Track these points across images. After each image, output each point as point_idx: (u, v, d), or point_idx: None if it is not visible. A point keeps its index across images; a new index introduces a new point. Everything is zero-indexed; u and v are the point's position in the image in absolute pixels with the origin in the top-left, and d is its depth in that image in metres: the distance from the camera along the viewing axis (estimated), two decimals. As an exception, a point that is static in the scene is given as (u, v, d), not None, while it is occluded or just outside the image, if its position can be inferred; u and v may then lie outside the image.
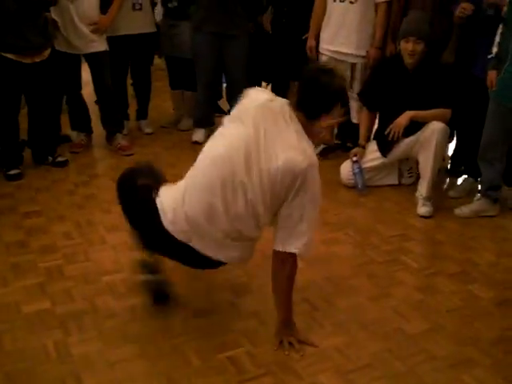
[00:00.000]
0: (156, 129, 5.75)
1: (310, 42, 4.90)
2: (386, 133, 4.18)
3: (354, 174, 4.40)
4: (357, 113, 4.84)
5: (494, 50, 3.76)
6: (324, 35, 4.81)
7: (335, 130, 5.15)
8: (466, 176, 4.57)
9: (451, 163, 4.79)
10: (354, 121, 4.91)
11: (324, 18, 4.78)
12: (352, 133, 5.00)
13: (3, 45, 4.23)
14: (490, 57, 3.79)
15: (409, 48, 4.08)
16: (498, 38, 3.74)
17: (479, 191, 4.22)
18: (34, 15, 4.27)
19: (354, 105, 4.83)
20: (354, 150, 4.49)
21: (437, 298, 3.13)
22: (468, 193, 4.44)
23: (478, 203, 4.14)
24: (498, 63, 3.75)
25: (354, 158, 4.43)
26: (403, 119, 4.10)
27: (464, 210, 4.12)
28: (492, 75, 3.77)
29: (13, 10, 4.10)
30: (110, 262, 3.35)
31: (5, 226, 3.79)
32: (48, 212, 4.00)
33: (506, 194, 4.30)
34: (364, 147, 4.49)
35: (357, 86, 4.79)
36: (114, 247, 3.53)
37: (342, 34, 4.69)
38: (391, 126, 4.15)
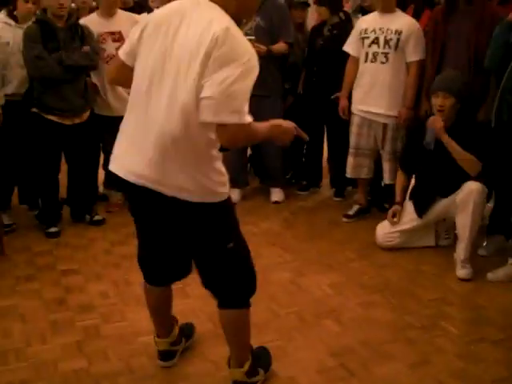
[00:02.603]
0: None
1: (343, 102, 4.94)
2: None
3: None
4: (390, 173, 4.83)
5: None
6: (356, 95, 4.85)
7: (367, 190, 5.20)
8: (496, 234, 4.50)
9: (489, 223, 4.70)
10: (387, 182, 4.90)
11: (356, 78, 4.83)
12: (387, 194, 4.99)
13: (45, 107, 4.37)
14: None
15: (438, 103, 4.09)
16: None
17: None
18: (76, 79, 4.41)
19: (386, 166, 4.84)
20: (393, 209, 4.46)
21: (480, 366, 3.04)
22: (498, 251, 4.36)
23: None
24: None
25: (395, 219, 4.41)
26: (446, 136, 4.07)
27: (498, 274, 4.03)
28: None
29: (59, 74, 4.25)
30: (146, 323, 3.33)
31: (44, 282, 3.86)
32: (85, 270, 4.04)
33: (500, 243, 4.31)
34: (401, 205, 4.47)
35: (388, 146, 4.79)
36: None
37: (373, 94, 4.73)
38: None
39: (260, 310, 3.51)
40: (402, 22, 4.64)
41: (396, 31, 4.58)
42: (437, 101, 4.10)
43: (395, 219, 4.41)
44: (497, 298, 3.79)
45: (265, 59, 4.95)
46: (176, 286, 3.73)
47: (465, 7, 4.33)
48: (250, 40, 4.81)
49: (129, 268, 4.05)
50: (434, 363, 3.05)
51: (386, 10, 4.65)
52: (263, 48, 4.86)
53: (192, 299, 3.62)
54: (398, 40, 4.58)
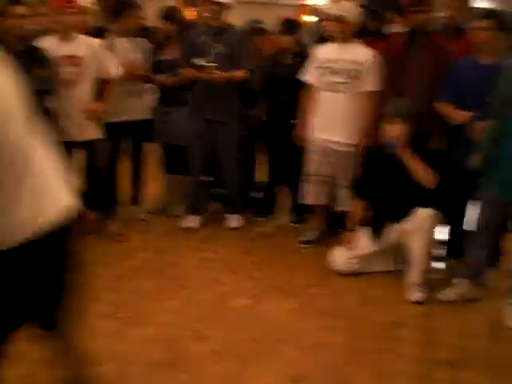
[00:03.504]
0: (147, 215, 5.77)
1: (300, 131, 5.00)
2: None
3: None
4: (347, 200, 4.87)
5: None
6: (316, 124, 4.90)
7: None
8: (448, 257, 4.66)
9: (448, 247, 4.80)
10: (343, 208, 4.95)
11: (315, 108, 4.90)
12: (342, 220, 5.07)
13: None
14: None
15: (392, 130, 4.21)
16: None
17: (464, 275, 4.20)
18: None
19: (343, 193, 4.89)
20: (349, 235, 4.51)
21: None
22: (449, 274, 4.48)
23: (461, 287, 4.15)
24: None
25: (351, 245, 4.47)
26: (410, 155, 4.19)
27: (447, 294, 4.14)
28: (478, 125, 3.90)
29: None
30: (100, 352, 3.29)
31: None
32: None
33: (453, 266, 4.46)
34: (357, 230, 4.53)
35: (347, 174, 4.82)
36: (106, 336, 3.50)
37: (332, 123, 4.77)
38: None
39: (219, 336, 3.53)
40: (361, 52, 4.74)
41: (355, 62, 4.66)
42: (391, 128, 4.20)
43: (351, 245, 4.47)
44: (448, 319, 3.89)
45: (224, 86, 5.02)
46: (132, 314, 3.75)
47: (422, 40, 4.47)
48: (211, 67, 4.92)
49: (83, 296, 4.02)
50: (391, 386, 3.10)
51: (345, 40, 4.74)
52: (224, 75, 4.91)
53: (152, 327, 3.62)
54: (357, 70, 4.66)
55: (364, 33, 5.07)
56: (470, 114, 4.10)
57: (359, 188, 4.57)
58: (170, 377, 3.11)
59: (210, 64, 4.94)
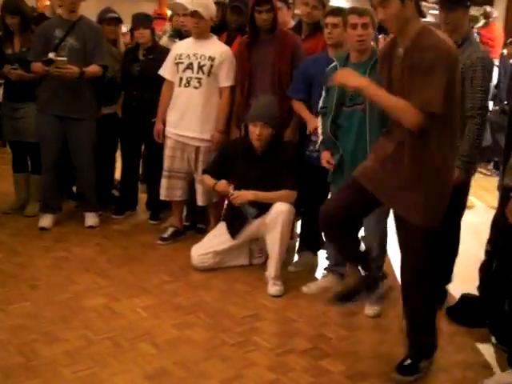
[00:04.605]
0: (0, 214, 5.55)
1: (158, 126, 4.98)
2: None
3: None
4: (204, 195, 4.91)
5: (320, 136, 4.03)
6: (170, 119, 4.89)
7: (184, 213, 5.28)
8: (304, 250, 4.77)
9: (299, 241, 4.91)
10: (200, 204, 4.99)
11: (170, 103, 4.90)
12: (202, 214, 5.12)
13: None
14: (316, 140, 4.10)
15: (256, 132, 4.27)
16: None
17: (325, 268, 4.39)
18: None
19: (199, 188, 4.91)
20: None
21: (289, 375, 3.19)
22: (306, 266, 4.65)
23: (325, 280, 4.32)
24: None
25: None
26: (249, 194, 4.26)
27: (311, 287, 4.27)
28: (326, 155, 3.98)
29: None
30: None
31: None
32: None
33: (309, 258, 4.68)
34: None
35: (201, 169, 4.83)
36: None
37: (186, 118, 4.79)
38: (236, 195, 4.29)
39: (74, 337, 3.47)
40: (216, 48, 4.79)
41: (210, 57, 4.69)
42: (255, 130, 4.27)
43: (209, 240, 4.53)
44: (305, 310, 3.99)
45: (77, 81, 4.91)
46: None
47: (266, 36, 4.56)
48: (62, 61, 4.79)
49: None
50: (247, 377, 3.16)
51: (201, 36, 4.77)
52: (75, 70, 4.80)
53: (3, 332, 3.50)
54: (212, 66, 4.69)
55: (225, 28, 5.15)
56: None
57: (211, 173, 4.57)
58: (25, 383, 3.01)
59: (61, 58, 4.81)
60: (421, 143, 3.00)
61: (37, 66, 4.90)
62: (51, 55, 4.81)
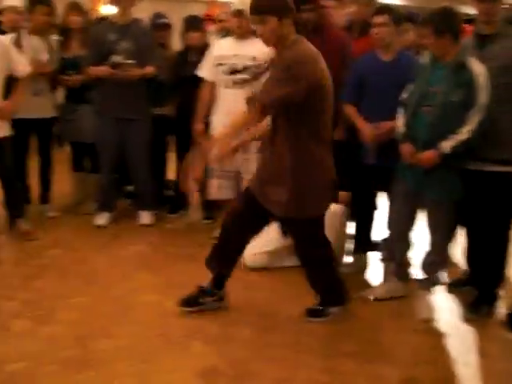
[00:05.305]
0: (59, 213, 5.70)
1: (199, 126, 4.96)
2: None
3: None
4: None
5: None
6: (215, 121, 4.83)
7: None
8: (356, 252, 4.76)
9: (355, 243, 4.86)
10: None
11: (214, 104, 4.87)
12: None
13: None
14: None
15: None
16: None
17: (392, 272, 4.24)
18: None
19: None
20: None
21: (341, 378, 3.19)
22: (358, 268, 4.65)
23: (391, 284, 4.21)
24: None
25: None
26: None
27: (377, 292, 4.20)
28: (408, 147, 3.84)
29: None
30: (12, 351, 3.27)
31: None
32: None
33: (360, 260, 4.68)
34: None
35: (250, 167, 4.71)
36: (17, 334, 3.47)
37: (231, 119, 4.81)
38: None
39: (127, 332, 3.55)
40: (258, 48, 4.78)
41: (253, 57, 4.66)
42: None
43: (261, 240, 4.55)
44: (356, 312, 3.97)
45: (133, 83, 5.01)
46: (43, 312, 3.73)
47: (313, 36, 4.52)
48: (130, 64, 4.90)
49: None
50: (299, 378, 3.17)
51: (243, 36, 4.73)
52: (140, 72, 4.92)
53: (62, 325, 3.60)
54: (256, 66, 4.66)
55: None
56: (373, 132, 4.20)
57: None
58: (78, 375, 3.08)
59: (129, 61, 4.93)
60: (281, 141, 3.44)
61: (100, 70, 5.03)
62: (118, 58, 4.93)
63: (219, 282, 3.88)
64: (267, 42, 3.42)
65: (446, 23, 3.65)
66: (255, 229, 3.81)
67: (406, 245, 4.11)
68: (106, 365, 3.19)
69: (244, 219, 3.71)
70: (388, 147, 4.09)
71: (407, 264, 4.20)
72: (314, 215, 3.58)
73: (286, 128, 3.43)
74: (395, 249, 4.13)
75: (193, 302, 3.84)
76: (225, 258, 3.84)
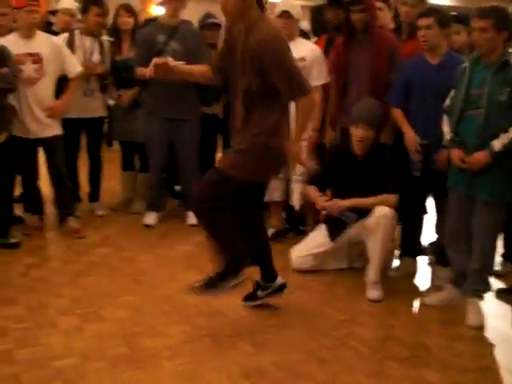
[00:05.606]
0: (108, 211, 5.78)
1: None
2: (323, 213, 4.44)
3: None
4: (300, 195, 4.92)
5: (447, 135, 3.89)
6: None
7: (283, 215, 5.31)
8: (405, 256, 4.70)
9: (401, 245, 4.81)
10: (296, 204, 5.00)
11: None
12: (301, 218, 5.13)
13: None
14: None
15: (358, 134, 4.23)
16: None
17: (449, 280, 4.15)
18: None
19: (296, 188, 4.93)
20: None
21: (387, 383, 3.16)
22: (407, 272, 4.60)
23: (448, 292, 4.13)
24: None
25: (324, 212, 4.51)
26: (345, 202, 4.25)
27: (433, 299, 4.14)
28: (457, 153, 3.79)
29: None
30: (60, 347, 3.32)
31: (-47, 309, 3.75)
32: (-1, 294, 3.98)
33: (408, 264, 4.60)
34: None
35: (299, 169, 4.79)
36: (65, 331, 3.52)
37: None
38: (328, 205, 4.32)
39: (175, 332, 3.57)
40: (305, 48, 4.80)
41: (301, 58, 4.64)
42: (357, 132, 4.24)
43: (308, 242, 4.55)
44: (404, 317, 3.94)
45: (183, 84, 5.04)
46: (91, 310, 3.78)
47: (362, 37, 4.53)
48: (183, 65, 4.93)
49: (44, 291, 4.03)
50: (344, 381, 3.14)
51: (289, 37, 4.65)
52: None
53: (110, 323, 3.65)
54: (303, 66, 4.63)
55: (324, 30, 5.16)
56: (418, 141, 4.16)
57: (315, 183, 4.57)
58: (126, 372, 3.12)
59: (180, 63, 4.95)
60: (247, 115, 3.51)
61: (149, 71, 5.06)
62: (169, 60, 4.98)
63: (268, 275, 3.90)
64: (225, 12, 3.43)
65: (506, 20, 3.61)
66: (240, 210, 3.83)
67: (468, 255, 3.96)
68: (153, 364, 3.21)
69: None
70: (433, 157, 4.09)
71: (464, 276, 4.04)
72: (260, 180, 3.68)
73: (261, 103, 3.48)
74: (454, 258, 4.03)
75: (254, 298, 3.93)
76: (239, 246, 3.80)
